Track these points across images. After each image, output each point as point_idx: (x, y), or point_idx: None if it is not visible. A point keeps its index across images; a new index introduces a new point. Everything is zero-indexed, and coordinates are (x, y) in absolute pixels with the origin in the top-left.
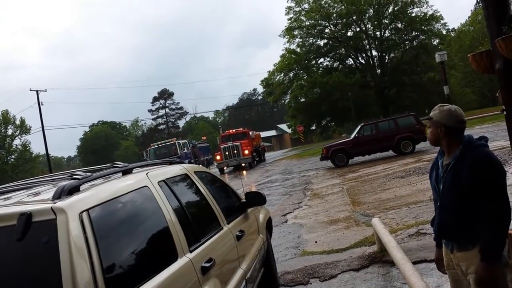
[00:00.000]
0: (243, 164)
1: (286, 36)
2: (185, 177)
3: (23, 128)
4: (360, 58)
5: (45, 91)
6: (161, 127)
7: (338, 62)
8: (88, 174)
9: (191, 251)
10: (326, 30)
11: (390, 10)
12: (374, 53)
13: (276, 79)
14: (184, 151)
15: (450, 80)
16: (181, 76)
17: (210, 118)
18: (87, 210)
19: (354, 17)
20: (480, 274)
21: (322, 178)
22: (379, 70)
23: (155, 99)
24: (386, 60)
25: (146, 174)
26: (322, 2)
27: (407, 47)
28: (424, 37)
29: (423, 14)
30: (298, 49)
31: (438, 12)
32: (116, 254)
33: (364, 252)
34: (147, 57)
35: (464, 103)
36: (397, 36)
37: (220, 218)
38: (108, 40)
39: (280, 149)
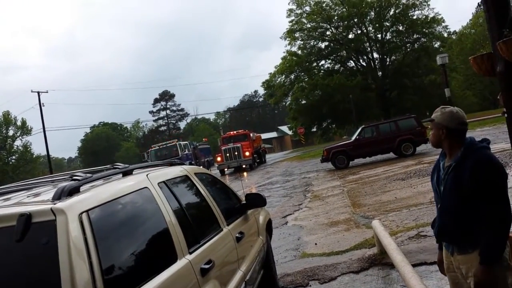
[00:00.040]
0: (243, 166)
1: (288, 38)
2: (185, 179)
3: (24, 129)
4: (361, 61)
5: (46, 92)
6: (162, 128)
7: (339, 65)
8: (88, 175)
9: (190, 253)
10: (328, 33)
11: (391, 12)
12: (375, 55)
13: (277, 81)
14: (185, 153)
15: (451, 83)
16: (182, 77)
17: (211, 120)
18: (87, 211)
19: (356, 20)
20: (479, 277)
21: (322, 180)
22: (380, 73)
23: (156, 101)
24: (387, 63)
25: (147, 175)
26: (324, 5)
27: (408, 49)
28: (425, 40)
29: (424, 16)
30: (299, 51)
31: (440, 14)
32: (116, 255)
33: (364, 254)
34: (148, 59)
35: (465, 105)
36: (398, 39)
37: (220, 219)
38: (109, 41)
39: (281, 150)
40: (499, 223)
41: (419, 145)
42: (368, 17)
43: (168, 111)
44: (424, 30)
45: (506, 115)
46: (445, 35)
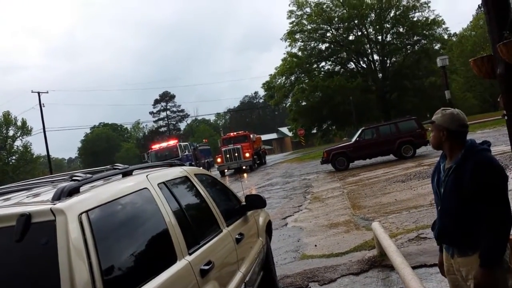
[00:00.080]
0: (244, 167)
1: (288, 40)
2: (185, 180)
3: (24, 129)
4: (361, 62)
5: (47, 92)
6: (162, 129)
7: (339, 66)
8: (88, 175)
9: (190, 254)
10: (328, 34)
11: (391, 14)
12: (376, 57)
13: (278, 83)
14: (185, 153)
15: (451, 85)
16: (183, 78)
17: (211, 121)
18: (87, 211)
19: (356, 21)
20: (479, 280)
21: (322, 182)
22: (381, 74)
23: (156, 102)
24: (388, 64)
25: (146, 176)
26: (324, 6)
27: (408, 51)
28: (425, 42)
29: (424, 18)
30: (300, 53)
31: (440, 16)
32: (115, 256)
33: (363, 256)
34: (148, 60)
35: (465, 107)
36: (398, 41)
37: (220, 220)
38: (109, 41)
39: (281, 152)
40: (500, 226)
41: (419, 147)
42: (369, 19)
43: (168, 112)
44: (425, 32)
45: (506, 117)
46: (446, 37)
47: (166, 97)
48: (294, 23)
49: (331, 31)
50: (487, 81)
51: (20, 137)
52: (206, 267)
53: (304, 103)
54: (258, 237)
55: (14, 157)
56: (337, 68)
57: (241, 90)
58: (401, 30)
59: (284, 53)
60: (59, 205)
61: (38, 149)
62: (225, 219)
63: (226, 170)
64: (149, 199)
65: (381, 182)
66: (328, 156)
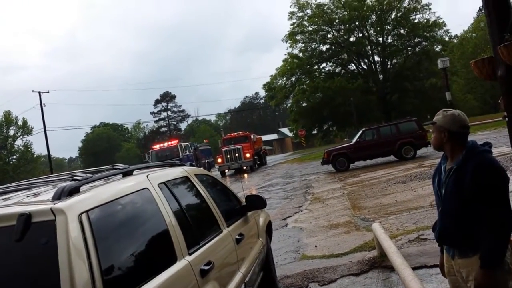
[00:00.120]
0: (244, 167)
1: (289, 41)
2: (185, 180)
3: (25, 129)
4: (362, 64)
5: (48, 92)
6: (163, 129)
7: (340, 67)
8: (89, 175)
9: (190, 254)
10: (329, 36)
11: (392, 16)
12: (377, 58)
13: (278, 83)
14: (186, 154)
15: (452, 86)
16: (184, 79)
17: (212, 121)
18: (87, 211)
19: (357, 23)
20: (479, 281)
21: (323, 182)
22: (381, 76)
23: (157, 102)
24: (388, 66)
25: (147, 176)
26: (325, 8)
27: (409, 53)
28: (426, 44)
29: (425, 20)
30: (301, 54)
31: (441, 18)
32: (115, 255)
33: (364, 257)
34: (149, 60)
35: (466, 109)
36: (399, 42)
37: (220, 221)
38: (110, 42)
39: (281, 152)
40: (500, 227)
41: (419, 148)
42: (370, 21)
43: (169, 112)
44: (426, 33)
45: (507, 119)
46: (446, 39)
47: (167, 97)
48: (295, 24)
49: (332, 33)
50: (488, 82)
51: (21, 137)
52: (206, 267)
53: (304, 104)
54: (258, 237)
55: (14, 157)
56: (338, 69)
57: (242, 91)
58: (402, 32)
59: (285, 54)
60: (59, 204)
61: (38, 149)
62: (225, 219)
63: (226, 171)
64: (149, 199)
65: (382, 183)
66: (328, 157)
